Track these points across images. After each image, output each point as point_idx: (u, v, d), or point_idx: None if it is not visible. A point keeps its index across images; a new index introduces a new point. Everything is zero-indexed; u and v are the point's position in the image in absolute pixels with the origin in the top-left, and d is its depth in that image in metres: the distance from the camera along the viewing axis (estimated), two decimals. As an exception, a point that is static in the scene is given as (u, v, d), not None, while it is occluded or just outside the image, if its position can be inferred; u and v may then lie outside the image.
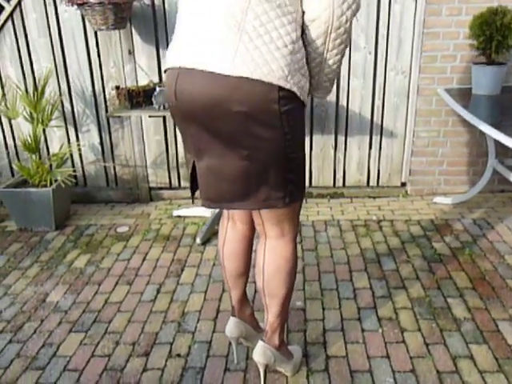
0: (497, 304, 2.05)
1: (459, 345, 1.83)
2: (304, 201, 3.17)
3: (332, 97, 2.95)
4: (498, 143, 2.80)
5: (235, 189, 1.31)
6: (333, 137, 3.06)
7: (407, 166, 3.13)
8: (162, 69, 2.93)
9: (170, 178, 3.20)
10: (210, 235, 2.74)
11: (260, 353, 1.55)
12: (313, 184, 3.20)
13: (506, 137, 1.81)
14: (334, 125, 3.04)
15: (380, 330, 1.92)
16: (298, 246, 2.59)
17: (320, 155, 3.11)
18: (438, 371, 1.72)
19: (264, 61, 1.15)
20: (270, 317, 1.55)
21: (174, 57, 1.25)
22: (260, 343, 1.57)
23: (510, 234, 2.63)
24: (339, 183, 3.16)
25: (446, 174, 3.11)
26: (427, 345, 1.84)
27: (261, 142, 1.23)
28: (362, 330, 1.93)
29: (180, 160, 3.15)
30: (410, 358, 1.78)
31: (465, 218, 2.82)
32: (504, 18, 2.43)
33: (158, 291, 2.25)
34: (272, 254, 1.45)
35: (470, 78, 2.80)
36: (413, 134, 3.03)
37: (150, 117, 2.96)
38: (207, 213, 2.89)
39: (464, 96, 2.66)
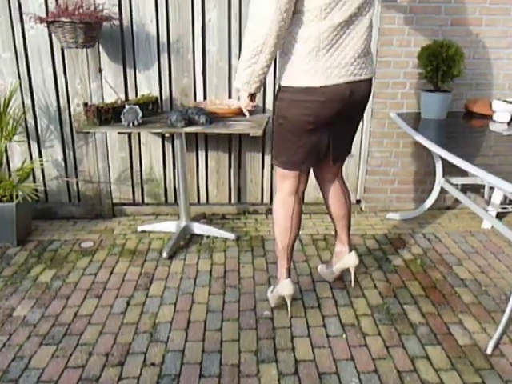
0: (448, 309, 2.24)
1: (416, 347, 1.99)
2: (265, 217, 3.29)
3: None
4: (444, 163, 3.03)
5: (349, 147, 2.12)
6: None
7: (362, 184, 3.32)
8: (129, 87, 3.00)
9: (133, 193, 3.25)
10: (176, 249, 2.80)
11: (355, 257, 2.28)
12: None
13: (452, 155, 2.01)
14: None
15: (344, 336, 2.05)
16: (262, 259, 2.71)
17: (281, 173, 3.25)
18: (398, 371, 1.86)
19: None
20: (348, 233, 2.29)
21: (344, 75, 1.78)
22: (352, 253, 2.29)
23: (456, 246, 2.85)
24: (299, 200, 3.29)
25: (398, 192, 3.32)
26: (387, 347, 1.99)
27: (362, 114, 2.00)
28: (327, 336, 2.05)
29: (144, 176, 3.20)
30: (373, 359, 1.92)
31: (415, 233, 3.04)
32: (449, 50, 2.67)
33: (128, 304, 2.29)
34: (345, 186, 2.22)
35: (418, 104, 3.04)
36: (367, 154, 3.23)
37: (119, 133, 3.01)
38: (172, 228, 2.95)
39: (414, 120, 2.87)
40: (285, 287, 2.11)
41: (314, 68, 1.73)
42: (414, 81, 3.06)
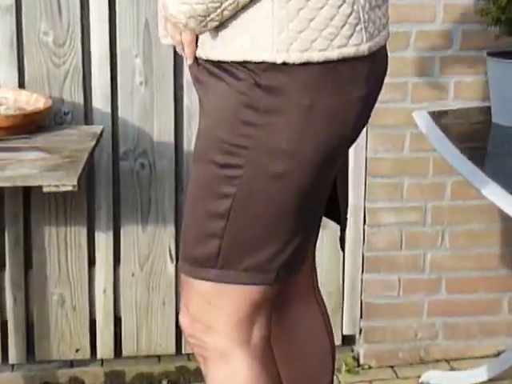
0: None
1: None
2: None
3: (168, 137, 2.80)
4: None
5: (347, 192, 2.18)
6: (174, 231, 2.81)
7: (354, 296, 2.94)
8: None
9: None
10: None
11: None
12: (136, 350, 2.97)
13: None
14: (173, 204, 2.82)
15: None
16: None
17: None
18: None
19: None
20: None
21: (383, 28, 1.80)
22: None
23: None
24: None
25: (447, 313, 2.95)
26: None
27: None
28: None
29: None
30: None
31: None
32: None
33: None
34: (325, 309, 2.13)
35: (483, 88, 2.73)
36: (363, 219, 2.86)
37: None
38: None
39: (474, 129, 2.67)
40: None
41: (355, 13, 1.66)
42: (470, 29, 2.74)
